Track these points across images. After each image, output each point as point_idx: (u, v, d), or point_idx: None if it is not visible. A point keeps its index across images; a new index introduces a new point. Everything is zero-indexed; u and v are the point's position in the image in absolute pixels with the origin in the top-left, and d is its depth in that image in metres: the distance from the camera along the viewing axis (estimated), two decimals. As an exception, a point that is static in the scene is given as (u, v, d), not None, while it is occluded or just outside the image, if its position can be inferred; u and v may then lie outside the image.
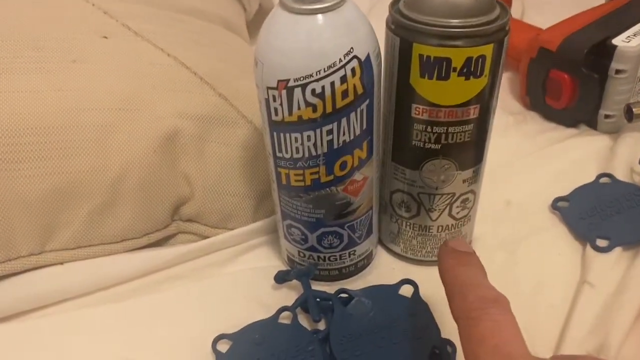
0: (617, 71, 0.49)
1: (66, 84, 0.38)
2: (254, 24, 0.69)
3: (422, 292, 0.37)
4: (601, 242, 0.40)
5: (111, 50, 0.41)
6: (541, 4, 0.76)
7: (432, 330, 0.34)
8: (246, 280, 0.39)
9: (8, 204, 0.36)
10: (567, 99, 0.52)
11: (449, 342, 0.34)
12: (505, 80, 0.60)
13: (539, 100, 0.55)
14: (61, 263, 0.39)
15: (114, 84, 0.39)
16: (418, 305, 0.35)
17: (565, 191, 0.45)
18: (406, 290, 0.36)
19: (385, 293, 0.36)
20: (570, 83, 0.51)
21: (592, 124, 0.53)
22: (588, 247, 0.40)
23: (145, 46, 0.42)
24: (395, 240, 0.41)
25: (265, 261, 0.41)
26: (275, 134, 0.33)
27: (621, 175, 0.46)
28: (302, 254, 0.38)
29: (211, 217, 0.41)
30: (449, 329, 0.35)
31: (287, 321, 0.36)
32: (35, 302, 0.37)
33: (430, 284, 0.38)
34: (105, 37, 0.42)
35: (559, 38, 0.51)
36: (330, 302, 0.36)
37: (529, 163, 0.49)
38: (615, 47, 0.49)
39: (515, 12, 0.72)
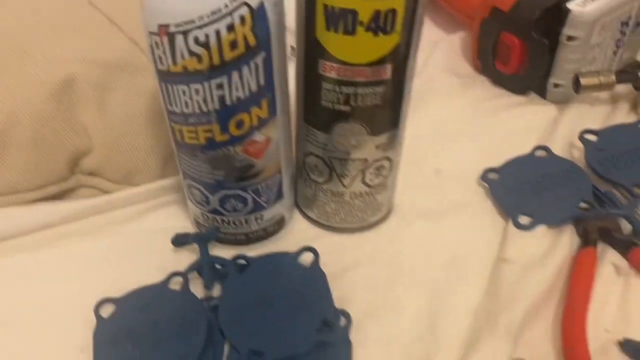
0: (569, 37, 0.46)
1: (-54, 16, 0.34)
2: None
3: (325, 261, 0.35)
4: (524, 219, 0.38)
5: (7, -18, 0.37)
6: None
7: (326, 301, 0.32)
8: (147, 241, 0.37)
9: None
10: (516, 64, 0.49)
11: (345, 313, 0.32)
12: (459, 40, 0.57)
13: (489, 63, 0.52)
14: (-54, 214, 0.36)
15: (6, 21, 0.35)
16: (315, 275, 0.33)
17: (499, 162, 0.43)
18: (307, 258, 0.34)
19: (285, 261, 0.34)
20: (519, 48, 0.48)
21: (542, 93, 0.50)
22: (510, 224, 0.38)
23: (48, -20, 0.38)
24: (310, 205, 0.39)
25: (171, 221, 0.39)
26: (163, 85, 0.30)
27: (559, 149, 0.43)
28: (205, 216, 0.36)
29: (114, 171, 0.38)
30: (346, 300, 0.33)
31: (178, 287, 0.34)
32: None
33: (335, 253, 0.37)
34: (3, -33, 0.37)
35: (514, -2, 0.48)
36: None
37: (467, 130, 0.47)
38: (569, 11, 0.45)
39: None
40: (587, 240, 0.37)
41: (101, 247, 0.37)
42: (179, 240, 0.36)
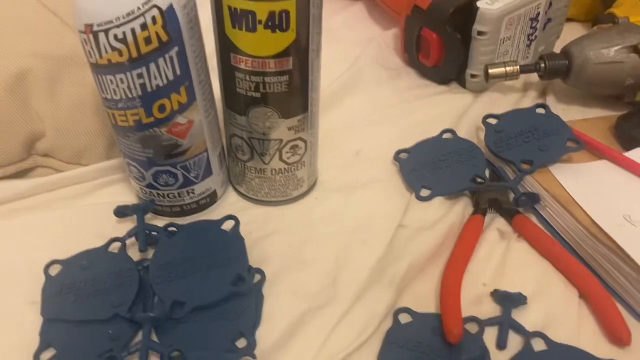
0: (479, 32, 0.51)
1: None
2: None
3: (250, 229, 0.41)
4: (424, 192, 0.43)
5: (-33, -13, 0.42)
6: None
7: (241, 260, 0.37)
8: (95, 213, 0.42)
9: None
10: (436, 57, 0.54)
11: (259, 271, 0.38)
12: (392, 36, 0.62)
13: (414, 57, 0.57)
14: None
15: (-35, 20, 0.40)
16: (234, 238, 0.38)
17: (413, 144, 0.48)
18: (230, 225, 0.40)
19: (209, 227, 0.39)
20: (437, 42, 0.53)
21: (462, 83, 0.56)
22: (412, 196, 0.43)
23: (5, -16, 0.43)
24: (239, 181, 0.44)
25: (117, 197, 0.44)
26: (96, 75, 0.35)
27: (464, 132, 0.49)
28: (143, 191, 0.41)
29: (64, 153, 0.44)
30: (265, 260, 0.39)
31: (117, 251, 0.39)
32: None
33: (260, 222, 0.42)
34: (-36, -27, 0.43)
35: (432, -3, 0.53)
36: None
37: (388, 116, 0.52)
38: (477, 8, 0.51)
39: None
40: (477, 209, 0.42)
41: (53, 218, 0.42)
42: (120, 211, 0.41)
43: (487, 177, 0.44)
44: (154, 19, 0.32)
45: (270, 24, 0.33)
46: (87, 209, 0.43)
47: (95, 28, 0.31)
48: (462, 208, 0.42)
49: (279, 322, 0.36)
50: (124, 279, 0.37)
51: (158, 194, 0.41)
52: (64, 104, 0.43)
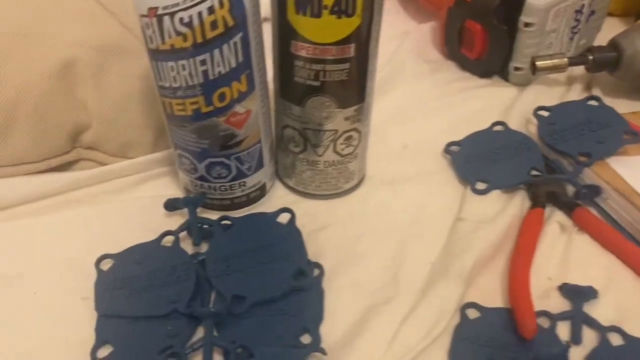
0: (526, 24, 0.50)
1: (-41, 5, 0.38)
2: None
3: (302, 222, 0.39)
4: (480, 185, 0.42)
5: (12, -25, 0.41)
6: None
7: (300, 253, 0.36)
8: (142, 207, 0.41)
9: None
10: (480, 49, 0.53)
11: (318, 265, 0.37)
12: (429, 29, 0.61)
13: (455, 49, 0.56)
14: (-41, 183, 0.40)
15: (12, 9, 0.39)
16: (291, 231, 0.37)
17: (461, 137, 0.47)
18: (285, 218, 0.39)
19: (265, 220, 0.38)
20: (482, 34, 0.52)
21: (504, 76, 0.55)
22: (468, 189, 0.42)
23: (49, -27, 0.42)
24: (289, 174, 0.43)
25: (163, 190, 0.43)
26: (154, 62, 0.34)
27: (515, 124, 0.48)
28: (194, 184, 0.40)
29: (110, 145, 0.42)
30: (320, 254, 0.38)
31: (170, 244, 0.38)
32: None
33: (312, 216, 0.41)
34: (8, -38, 0.41)
35: (476, -12, 0.52)
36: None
37: (433, 109, 0.51)
38: (525, 0, 0.50)
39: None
40: (536, 202, 0.41)
41: (100, 212, 0.41)
42: (171, 204, 0.40)
43: (544, 169, 0.43)
44: (221, 2, 0.31)
45: (336, 8, 0.32)
46: (133, 203, 0.42)
47: (160, 11, 0.30)
48: (519, 201, 0.41)
49: (343, 318, 0.34)
50: (179, 274, 0.35)
51: (209, 186, 0.40)
52: (110, 95, 0.41)
